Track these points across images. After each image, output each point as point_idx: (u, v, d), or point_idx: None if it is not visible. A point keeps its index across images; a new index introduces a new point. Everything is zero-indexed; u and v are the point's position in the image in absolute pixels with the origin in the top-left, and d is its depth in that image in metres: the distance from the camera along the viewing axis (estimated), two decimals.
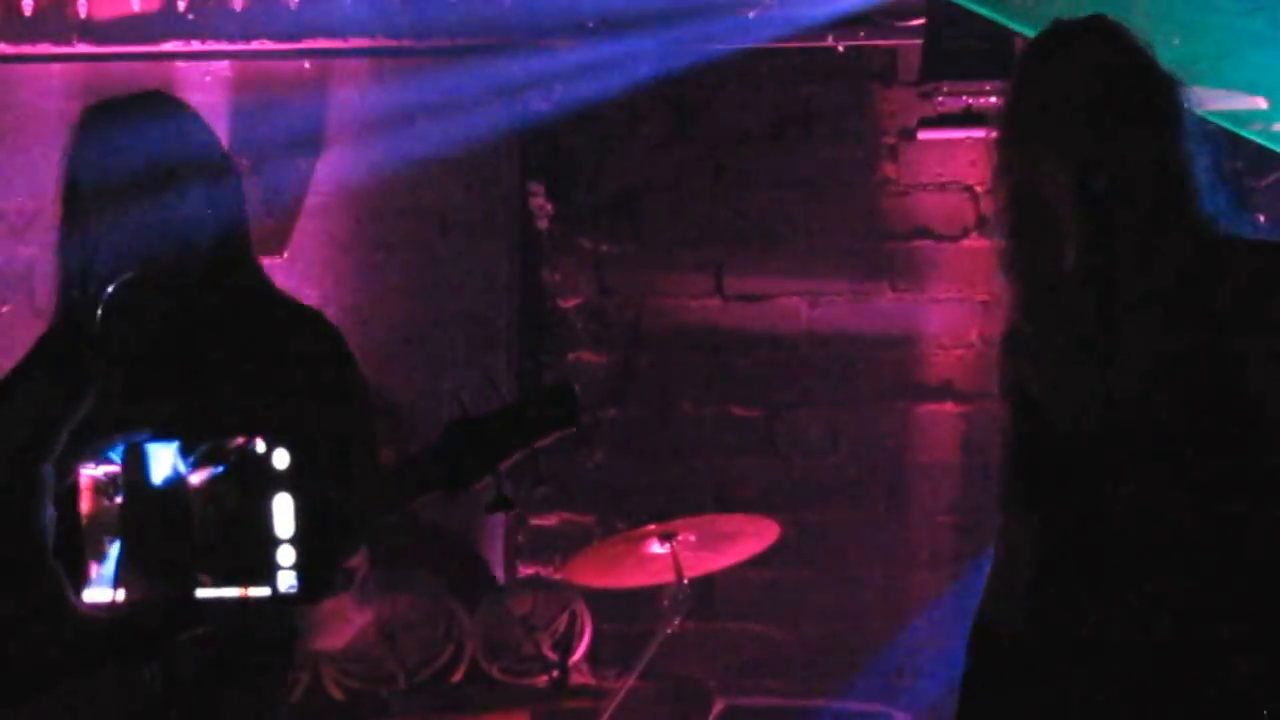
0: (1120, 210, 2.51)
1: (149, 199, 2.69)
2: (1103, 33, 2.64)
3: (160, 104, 2.84)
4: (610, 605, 5.13)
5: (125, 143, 2.71)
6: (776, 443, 5.64)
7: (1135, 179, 2.52)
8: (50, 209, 2.80)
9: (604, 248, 5.73)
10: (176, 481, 1.44)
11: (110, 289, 2.63)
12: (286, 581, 1.41)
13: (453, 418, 2.63)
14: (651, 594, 4.76)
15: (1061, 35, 2.66)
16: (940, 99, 5.32)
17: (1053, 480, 2.64)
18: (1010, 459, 2.73)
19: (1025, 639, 2.66)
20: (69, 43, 5.67)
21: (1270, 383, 2.51)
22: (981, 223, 5.53)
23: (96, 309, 2.54)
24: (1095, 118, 2.55)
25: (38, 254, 5.22)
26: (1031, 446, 2.70)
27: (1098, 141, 2.52)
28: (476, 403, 2.63)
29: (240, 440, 1.43)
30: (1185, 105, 2.61)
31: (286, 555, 1.40)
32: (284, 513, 1.40)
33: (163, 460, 1.45)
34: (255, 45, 5.65)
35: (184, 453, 1.45)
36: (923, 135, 5.51)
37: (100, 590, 1.41)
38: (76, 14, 5.63)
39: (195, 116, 2.83)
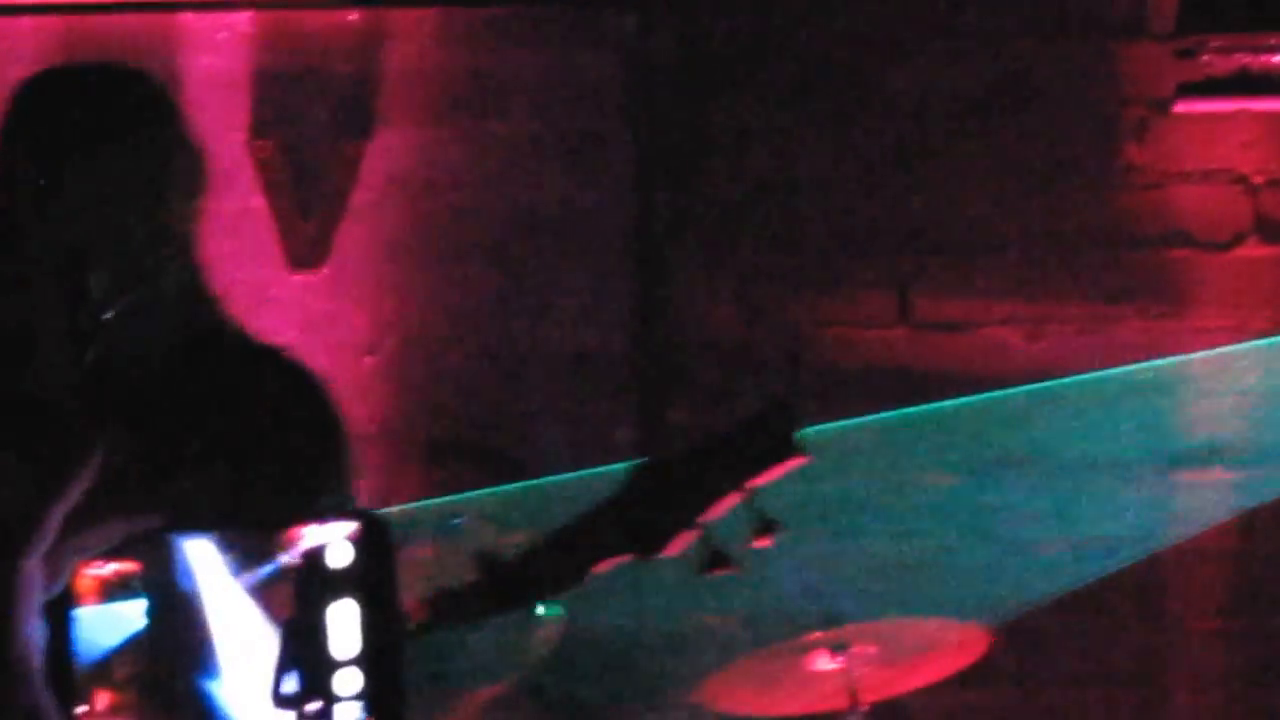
0: None
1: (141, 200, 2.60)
2: None
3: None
4: None
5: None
6: (984, 521, 5.10)
7: None
8: None
9: (749, 259, 5.23)
10: (212, 584, 1.36)
11: (107, 316, 2.49)
12: (348, 716, 1.27)
13: (641, 461, 2.56)
14: None
15: None
16: (1205, 58, 5.06)
17: None
18: None
19: None
20: None
21: None
22: (1261, 225, 5.09)
23: (87, 347, 2.42)
24: None
25: None
26: None
27: None
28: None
29: (291, 531, 1.30)
30: None
31: (347, 683, 1.29)
32: (346, 625, 1.27)
33: (194, 556, 1.37)
34: None
35: (219, 547, 1.38)
36: (1181, 108, 5.11)
37: None
38: None
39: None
